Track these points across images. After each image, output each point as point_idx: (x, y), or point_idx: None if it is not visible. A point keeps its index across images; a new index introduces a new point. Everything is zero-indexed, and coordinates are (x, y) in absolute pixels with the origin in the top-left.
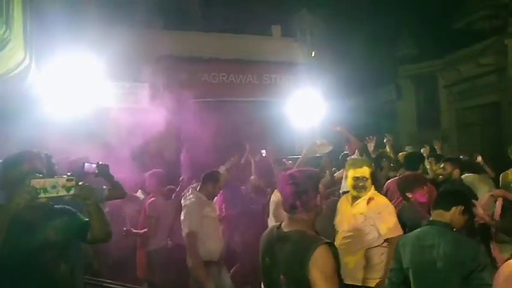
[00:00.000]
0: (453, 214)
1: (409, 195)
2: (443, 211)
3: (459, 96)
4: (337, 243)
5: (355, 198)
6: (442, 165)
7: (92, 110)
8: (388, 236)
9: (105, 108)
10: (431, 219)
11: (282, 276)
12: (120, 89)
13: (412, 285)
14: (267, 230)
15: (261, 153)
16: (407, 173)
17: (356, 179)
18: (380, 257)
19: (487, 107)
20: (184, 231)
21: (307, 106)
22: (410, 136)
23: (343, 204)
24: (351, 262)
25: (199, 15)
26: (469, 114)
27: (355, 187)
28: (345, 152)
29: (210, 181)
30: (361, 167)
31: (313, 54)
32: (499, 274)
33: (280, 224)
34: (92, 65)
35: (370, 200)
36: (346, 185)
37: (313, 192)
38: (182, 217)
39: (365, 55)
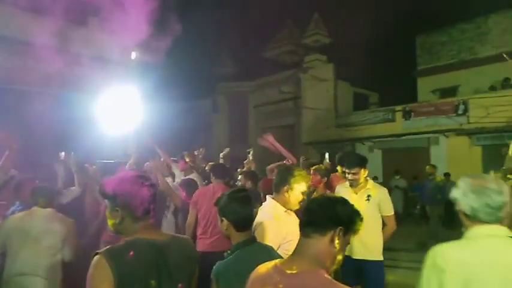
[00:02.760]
0: None
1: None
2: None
3: (265, 117)
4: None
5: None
6: (239, 178)
7: None
8: None
9: None
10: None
11: (180, 285)
12: None
13: None
14: (137, 248)
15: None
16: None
17: (304, 193)
18: None
19: (285, 128)
20: None
21: (121, 107)
22: (222, 149)
23: (291, 222)
24: None
25: None
26: (272, 133)
27: (301, 201)
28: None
29: None
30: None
31: (133, 56)
32: (248, 280)
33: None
34: None
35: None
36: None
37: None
38: None
39: (189, 66)
